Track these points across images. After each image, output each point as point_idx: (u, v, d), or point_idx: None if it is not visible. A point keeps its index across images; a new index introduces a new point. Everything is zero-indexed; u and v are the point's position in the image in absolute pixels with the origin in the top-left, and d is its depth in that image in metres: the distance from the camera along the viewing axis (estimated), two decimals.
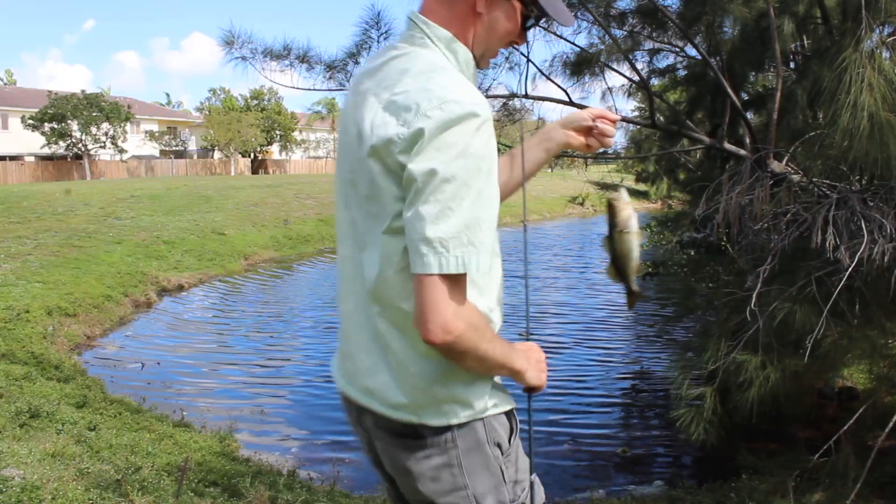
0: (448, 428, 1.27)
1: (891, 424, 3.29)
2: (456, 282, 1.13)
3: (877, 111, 2.77)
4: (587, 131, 1.52)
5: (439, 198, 1.10)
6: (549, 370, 1.41)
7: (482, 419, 1.28)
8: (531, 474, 1.39)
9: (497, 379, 1.34)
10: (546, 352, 1.50)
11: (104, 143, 35.68)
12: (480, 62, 1.31)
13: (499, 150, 1.58)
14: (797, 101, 4.31)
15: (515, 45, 1.35)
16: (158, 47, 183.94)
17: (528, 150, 1.55)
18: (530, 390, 1.37)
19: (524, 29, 1.31)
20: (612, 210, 1.56)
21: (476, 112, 1.12)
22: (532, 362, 1.35)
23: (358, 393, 1.35)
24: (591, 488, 4.83)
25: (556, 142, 1.55)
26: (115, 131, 35.71)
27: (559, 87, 4.72)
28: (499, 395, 1.32)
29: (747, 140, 4.36)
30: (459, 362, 1.22)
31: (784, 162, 3.75)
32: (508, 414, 1.34)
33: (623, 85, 6.18)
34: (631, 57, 5.00)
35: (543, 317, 9.75)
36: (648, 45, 5.40)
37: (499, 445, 1.31)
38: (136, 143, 41.15)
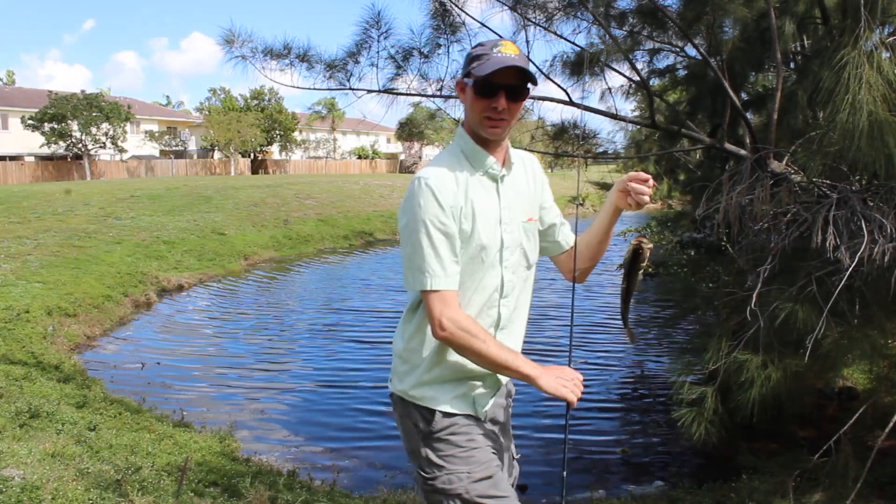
0: (393, 393, 1.84)
1: (891, 424, 3.29)
2: (440, 296, 1.63)
3: (875, 110, 2.76)
4: (627, 192, 1.77)
5: (407, 241, 1.66)
6: (547, 371, 1.69)
7: (410, 402, 1.78)
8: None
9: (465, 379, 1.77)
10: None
11: (104, 143, 35.65)
12: (483, 137, 1.71)
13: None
14: (797, 102, 4.31)
15: (495, 114, 1.66)
16: (158, 47, 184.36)
17: (598, 218, 1.91)
18: (568, 405, 1.71)
19: (480, 96, 1.65)
20: (641, 255, 1.81)
21: (421, 177, 1.65)
22: (551, 376, 1.67)
23: None
24: (591, 488, 4.83)
25: (610, 204, 1.85)
26: (114, 131, 35.69)
27: (559, 86, 4.72)
28: (438, 394, 1.76)
29: (747, 140, 4.36)
30: (462, 354, 1.68)
31: (784, 162, 3.75)
32: (445, 413, 1.75)
33: (622, 85, 6.18)
34: (631, 57, 5.00)
35: (540, 320, 9.74)
36: (648, 45, 5.39)
37: (417, 427, 1.77)
38: (136, 143, 41.12)
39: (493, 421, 1.87)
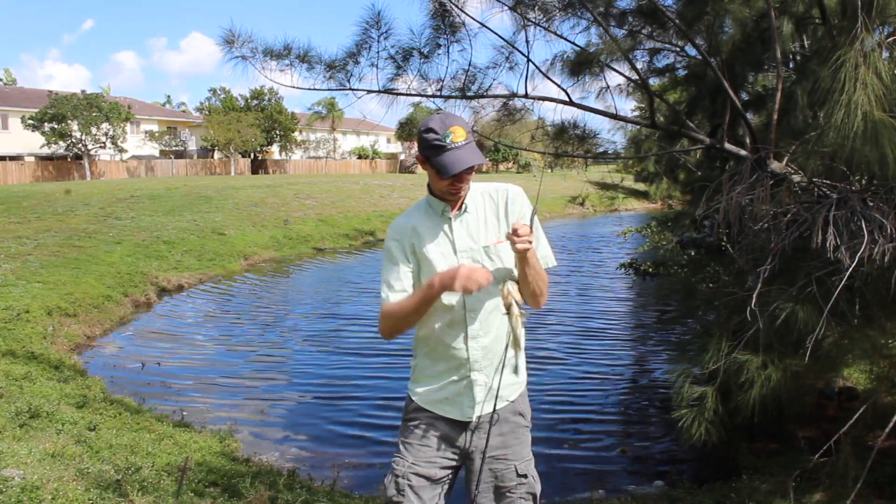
0: None
1: (891, 424, 3.28)
2: (383, 306, 2.06)
3: (870, 110, 2.75)
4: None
5: None
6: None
7: (409, 392, 2.17)
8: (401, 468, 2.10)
9: (435, 395, 2.09)
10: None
11: (104, 143, 35.65)
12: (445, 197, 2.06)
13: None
14: (797, 102, 4.30)
15: (455, 188, 1.99)
16: (157, 47, 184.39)
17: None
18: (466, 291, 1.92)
19: (441, 178, 1.95)
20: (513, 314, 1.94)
21: (390, 227, 2.15)
22: (442, 280, 1.91)
23: None
24: (591, 488, 4.83)
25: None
26: (114, 131, 35.68)
27: (559, 86, 4.71)
28: (417, 388, 2.12)
29: (747, 140, 4.35)
30: (402, 329, 2.06)
31: (784, 162, 3.75)
32: (414, 402, 2.12)
33: (620, 84, 6.17)
34: (631, 56, 4.99)
35: (538, 325, 9.74)
36: (648, 44, 5.39)
37: (403, 412, 2.18)
38: (136, 143, 41.12)
39: (472, 429, 2.05)
